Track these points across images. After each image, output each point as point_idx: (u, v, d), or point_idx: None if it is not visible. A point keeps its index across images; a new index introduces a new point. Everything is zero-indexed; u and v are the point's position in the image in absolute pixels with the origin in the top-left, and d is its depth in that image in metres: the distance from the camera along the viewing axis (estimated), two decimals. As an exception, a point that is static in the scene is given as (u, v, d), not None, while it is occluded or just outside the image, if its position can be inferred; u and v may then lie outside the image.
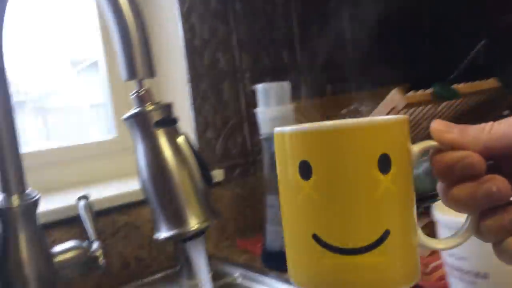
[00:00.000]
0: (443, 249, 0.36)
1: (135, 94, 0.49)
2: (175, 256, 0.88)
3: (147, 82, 0.50)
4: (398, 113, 0.76)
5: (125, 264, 0.89)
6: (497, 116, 0.35)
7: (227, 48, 1.05)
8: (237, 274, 0.85)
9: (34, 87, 1.02)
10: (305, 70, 1.19)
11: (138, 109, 0.48)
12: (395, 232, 0.30)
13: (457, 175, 0.30)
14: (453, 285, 0.57)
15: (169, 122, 0.49)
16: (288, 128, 0.31)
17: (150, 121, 0.48)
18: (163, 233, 0.48)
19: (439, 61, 1.38)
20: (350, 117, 0.89)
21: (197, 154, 0.49)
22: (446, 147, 0.31)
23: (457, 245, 0.33)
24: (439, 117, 0.91)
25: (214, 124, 1.03)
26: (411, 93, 0.76)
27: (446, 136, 0.31)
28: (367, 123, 0.30)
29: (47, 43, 1.02)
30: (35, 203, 0.68)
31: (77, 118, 1.09)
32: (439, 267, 0.73)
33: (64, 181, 0.98)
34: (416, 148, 0.32)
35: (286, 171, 0.31)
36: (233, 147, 1.06)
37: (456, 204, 0.31)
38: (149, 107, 0.48)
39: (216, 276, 0.85)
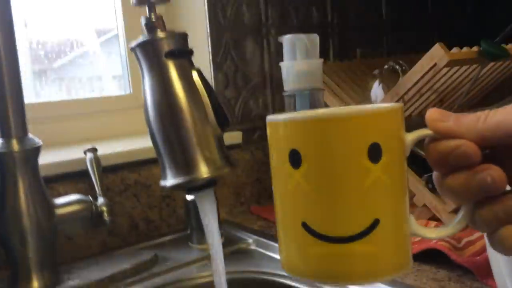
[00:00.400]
0: (434, 238, 0.38)
1: (145, 21, 0.43)
2: (186, 219, 0.83)
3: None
4: (439, 71, 0.68)
5: (133, 224, 0.84)
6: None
7: (253, 0, 0.98)
8: (250, 240, 0.79)
9: (58, 55, 0.98)
10: (335, 31, 1.11)
11: (147, 37, 0.42)
12: (385, 221, 0.30)
13: (451, 164, 0.30)
14: (493, 259, 0.51)
15: (182, 54, 0.42)
16: (280, 117, 0.31)
17: (160, 50, 0.41)
18: (170, 181, 0.42)
19: (482, 24, 1.29)
20: (381, 78, 0.82)
21: (212, 93, 0.43)
22: (441, 136, 0.30)
23: (449, 235, 0.33)
24: (481, 83, 0.83)
25: (234, 82, 0.97)
26: (455, 49, 0.68)
27: (441, 124, 0.30)
28: (357, 112, 0.30)
29: (73, 12, 0.98)
30: (36, 150, 0.63)
31: (98, 89, 1.05)
32: (473, 242, 0.67)
33: (74, 135, 0.93)
34: (410, 136, 0.31)
35: (277, 159, 0.31)
36: (254, 108, 1.00)
37: (450, 194, 0.31)
38: (160, 35, 0.42)
39: (229, 241, 0.80)
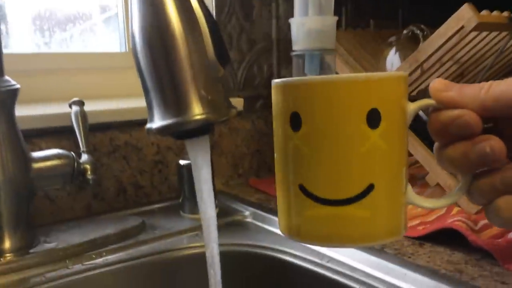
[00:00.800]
0: (430, 208, 0.37)
1: None
2: (179, 187, 0.76)
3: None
4: (467, 35, 0.62)
5: (121, 189, 0.78)
6: None
7: (263, -43, 0.91)
8: (247, 212, 0.73)
9: (60, 29, 0.91)
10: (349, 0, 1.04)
11: None
12: (380, 187, 0.30)
13: (452, 134, 0.30)
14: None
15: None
16: (283, 80, 0.32)
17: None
18: (156, 122, 0.36)
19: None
20: (398, 45, 0.75)
21: (213, 22, 0.36)
22: (444, 105, 0.30)
23: (446, 206, 0.35)
24: (505, 57, 0.76)
25: (238, 45, 0.90)
26: (485, 12, 0.61)
27: (444, 94, 0.30)
28: (357, 77, 0.31)
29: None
30: (13, 93, 0.56)
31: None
32: (491, 225, 0.62)
33: (64, 91, 0.86)
34: (413, 106, 0.32)
35: (279, 122, 0.32)
36: (258, 74, 0.93)
37: (449, 164, 0.31)
38: None
39: (224, 212, 0.74)
